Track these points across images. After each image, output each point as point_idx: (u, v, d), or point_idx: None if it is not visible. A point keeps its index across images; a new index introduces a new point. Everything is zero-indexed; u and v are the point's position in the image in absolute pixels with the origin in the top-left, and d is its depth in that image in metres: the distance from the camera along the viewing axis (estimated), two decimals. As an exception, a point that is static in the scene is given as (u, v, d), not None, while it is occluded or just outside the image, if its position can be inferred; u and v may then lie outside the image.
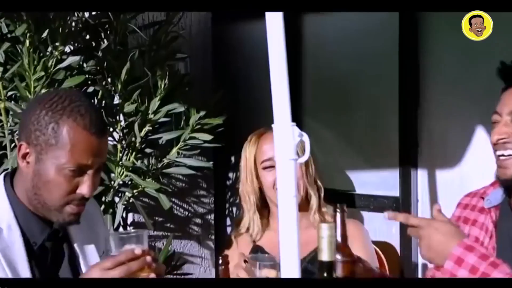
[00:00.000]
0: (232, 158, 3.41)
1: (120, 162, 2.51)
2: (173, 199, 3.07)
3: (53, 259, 1.79)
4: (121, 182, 2.56)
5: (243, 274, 2.03)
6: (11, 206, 1.74)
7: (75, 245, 1.84)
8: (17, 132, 2.36)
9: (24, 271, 1.70)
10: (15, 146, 2.39)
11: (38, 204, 1.72)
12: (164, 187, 2.56)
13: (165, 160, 2.55)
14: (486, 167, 2.50)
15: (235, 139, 3.04)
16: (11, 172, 1.82)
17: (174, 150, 2.51)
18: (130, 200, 2.62)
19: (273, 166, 2.28)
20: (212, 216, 3.34)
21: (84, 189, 1.69)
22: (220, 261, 1.68)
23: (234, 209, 3.42)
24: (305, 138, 1.39)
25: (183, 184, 3.17)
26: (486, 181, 2.48)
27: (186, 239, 3.20)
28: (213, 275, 3.36)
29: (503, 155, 1.86)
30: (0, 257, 1.67)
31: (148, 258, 1.62)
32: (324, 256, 1.44)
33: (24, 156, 1.71)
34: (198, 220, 3.29)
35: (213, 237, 3.34)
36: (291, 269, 1.36)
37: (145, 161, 2.58)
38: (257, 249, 2.41)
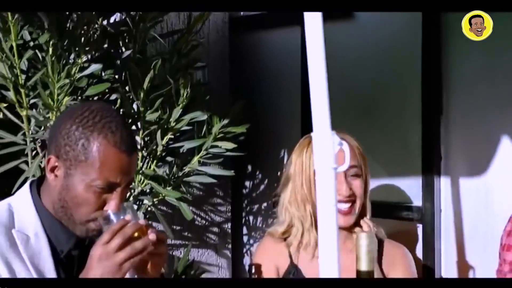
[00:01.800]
0: (249, 167, 3.40)
1: (141, 171, 2.48)
2: (190, 208, 3.05)
3: (80, 267, 1.76)
4: (140, 190, 2.53)
5: None
6: (38, 214, 1.72)
7: None
8: (38, 140, 2.35)
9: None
10: (36, 154, 2.37)
11: (64, 216, 1.69)
12: (185, 195, 2.52)
13: (186, 169, 2.51)
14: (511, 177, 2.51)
15: (250, 148, 3.03)
16: (38, 180, 1.79)
17: (196, 158, 2.48)
18: (149, 209, 2.59)
19: None
20: (229, 225, 3.32)
21: (111, 206, 1.66)
22: (253, 270, 1.63)
23: (251, 218, 3.40)
24: (345, 147, 1.36)
25: (200, 193, 3.15)
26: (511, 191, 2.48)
27: (204, 248, 3.19)
28: (230, 285, 3.34)
29: None
30: (28, 264, 1.65)
31: (141, 221, 1.62)
32: (363, 265, 1.41)
33: (53, 169, 1.68)
34: (215, 229, 3.27)
35: (230, 246, 3.32)
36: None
37: (166, 170, 2.55)
38: (293, 270, 2.18)
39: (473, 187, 2.61)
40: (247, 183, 3.40)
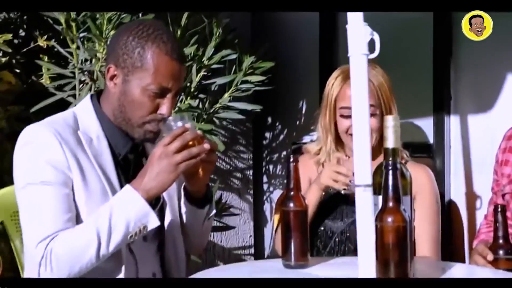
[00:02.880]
0: (269, 119, 3.62)
1: (176, 106, 2.70)
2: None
3: (135, 170, 1.98)
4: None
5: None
6: (99, 121, 1.94)
7: None
8: (86, 72, 2.58)
9: (113, 177, 1.90)
10: (83, 85, 2.60)
11: (123, 121, 1.91)
12: (216, 129, 2.74)
13: (217, 105, 2.74)
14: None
15: (270, 100, 3.26)
16: (97, 93, 2.01)
17: (227, 94, 2.70)
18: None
19: (350, 116, 2.23)
20: (251, 172, 3.55)
21: (164, 109, 1.87)
22: (292, 159, 1.84)
23: (271, 167, 3.62)
24: (376, 36, 1.58)
25: (225, 139, 3.37)
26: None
27: (228, 191, 3.41)
28: (251, 228, 3.57)
29: None
30: (93, 161, 1.88)
31: (198, 131, 1.83)
32: (390, 143, 1.64)
33: (112, 78, 1.89)
34: (238, 175, 3.49)
35: (251, 191, 3.55)
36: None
37: (200, 105, 2.77)
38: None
39: (479, 125, 2.84)
40: (267, 134, 3.62)
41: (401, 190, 1.51)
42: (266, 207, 3.63)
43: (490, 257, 1.91)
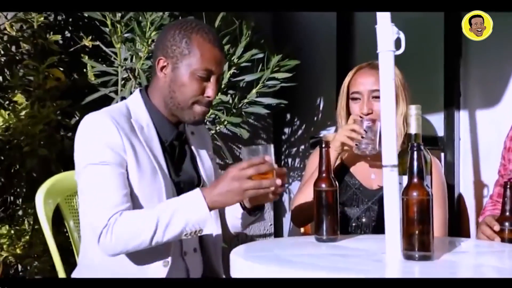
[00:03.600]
0: (288, 115, 3.86)
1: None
2: (239, 145, 3.53)
3: (179, 155, 2.22)
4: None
5: None
6: (148, 111, 2.17)
7: (193, 148, 2.28)
8: (128, 69, 2.82)
9: (161, 160, 2.14)
10: (124, 82, 2.84)
11: (173, 106, 2.14)
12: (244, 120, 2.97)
13: (245, 100, 2.98)
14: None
15: (290, 98, 3.48)
16: (145, 87, 2.25)
17: (254, 90, 2.95)
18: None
19: (359, 99, 2.50)
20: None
21: (209, 92, 2.11)
22: (324, 145, 2.07)
23: (290, 160, 3.86)
24: (401, 35, 1.82)
25: (248, 134, 3.61)
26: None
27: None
28: (271, 217, 3.82)
29: None
30: (145, 146, 2.11)
31: (275, 165, 1.99)
32: (413, 129, 1.87)
33: (162, 68, 2.13)
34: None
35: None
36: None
37: (229, 100, 3.01)
38: (343, 168, 2.59)
39: (487, 119, 3.07)
40: (286, 130, 3.86)
41: (423, 167, 1.74)
42: (285, 197, 3.87)
43: (497, 227, 2.14)
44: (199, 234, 2.01)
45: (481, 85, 3.12)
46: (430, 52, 3.25)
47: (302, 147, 3.81)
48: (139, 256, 2.06)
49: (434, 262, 1.72)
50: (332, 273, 1.60)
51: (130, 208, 2.03)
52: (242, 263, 1.78)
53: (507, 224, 2.13)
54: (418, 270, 1.67)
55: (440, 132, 3.20)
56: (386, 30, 1.80)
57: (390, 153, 1.80)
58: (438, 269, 1.69)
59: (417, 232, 1.72)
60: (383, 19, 1.80)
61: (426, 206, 1.71)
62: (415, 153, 1.74)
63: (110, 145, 2.04)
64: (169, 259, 2.10)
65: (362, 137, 2.40)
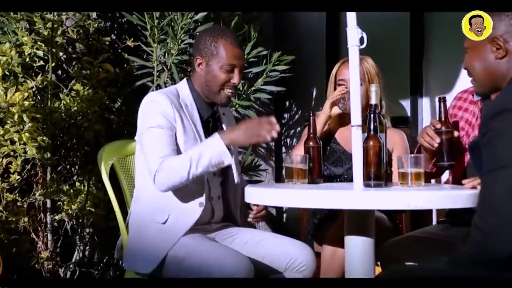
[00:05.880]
0: (287, 102, 4.65)
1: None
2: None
3: (213, 128, 2.91)
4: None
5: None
6: (191, 93, 2.87)
7: (224, 125, 2.97)
8: (164, 62, 3.63)
9: (200, 130, 2.80)
10: (160, 72, 3.65)
11: (208, 91, 2.83)
12: (251, 106, 3.78)
13: (253, 88, 3.78)
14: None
15: (289, 86, 4.26)
16: (188, 78, 2.93)
17: (260, 80, 3.75)
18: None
19: (344, 84, 3.21)
20: (273, 143, 4.58)
21: (235, 79, 2.81)
22: (311, 114, 2.86)
23: (288, 140, 4.65)
24: (364, 34, 2.58)
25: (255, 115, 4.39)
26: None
27: (256, 157, 4.44)
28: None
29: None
30: (189, 118, 2.81)
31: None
32: (372, 100, 2.64)
33: (199, 65, 2.84)
34: (264, 145, 4.52)
35: (273, 158, 4.59)
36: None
37: (240, 87, 3.82)
38: (330, 137, 3.30)
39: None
40: (286, 115, 4.65)
41: (378, 126, 2.53)
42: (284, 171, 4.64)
43: (439, 125, 2.62)
44: (222, 166, 2.62)
45: (439, 76, 3.94)
46: (399, 48, 4.07)
47: (299, 128, 4.59)
48: (181, 197, 2.74)
49: (385, 188, 2.51)
50: (319, 191, 2.41)
51: None
52: (251, 189, 2.57)
53: (443, 130, 2.67)
54: (373, 193, 2.45)
55: (407, 113, 4.02)
56: (353, 31, 2.55)
57: (356, 116, 2.57)
58: (386, 192, 2.47)
59: (372, 168, 2.50)
60: (351, 21, 2.53)
61: (378, 151, 2.51)
62: (372, 115, 2.54)
63: (165, 115, 2.69)
64: (203, 200, 2.72)
65: (343, 99, 3.15)
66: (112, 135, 3.58)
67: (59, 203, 3.62)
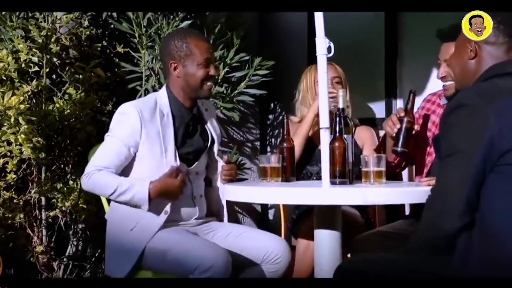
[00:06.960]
0: (272, 104, 4.85)
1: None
2: (233, 127, 4.55)
3: (192, 131, 3.04)
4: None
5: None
6: (169, 102, 2.92)
7: (207, 119, 3.06)
8: (151, 68, 3.86)
9: (171, 146, 2.87)
10: (148, 77, 3.88)
11: (189, 90, 2.90)
12: (234, 108, 4.00)
13: (236, 91, 4.01)
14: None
15: (273, 90, 4.48)
16: (167, 84, 3.06)
17: (243, 83, 3.98)
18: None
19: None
20: (258, 143, 4.77)
21: (212, 71, 2.95)
22: (286, 117, 3.08)
23: (273, 140, 4.85)
24: (331, 44, 2.81)
25: (240, 119, 4.59)
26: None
27: (242, 156, 4.63)
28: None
29: (444, 84, 3.00)
30: (160, 132, 2.86)
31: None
32: (340, 104, 2.86)
33: (175, 69, 2.96)
34: (249, 144, 4.72)
35: (258, 157, 4.77)
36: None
37: (224, 91, 4.04)
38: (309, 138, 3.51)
39: (416, 105, 4.05)
40: (270, 116, 4.85)
41: (343, 128, 2.75)
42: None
43: (401, 111, 2.93)
44: (139, 208, 2.79)
45: (412, 78, 4.16)
46: (374, 52, 4.29)
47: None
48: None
49: (349, 185, 2.73)
50: (289, 188, 2.65)
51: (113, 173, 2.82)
52: (228, 187, 2.80)
53: (405, 119, 2.93)
54: (338, 190, 2.67)
55: (381, 114, 4.25)
56: (321, 40, 2.77)
57: (324, 119, 2.79)
58: (350, 188, 2.69)
59: (338, 167, 2.73)
60: (319, 31, 2.76)
61: (343, 151, 2.73)
62: (337, 118, 2.76)
63: (129, 129, 2.80)
64: (168, 208, 2.86)
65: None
66: (103, 136, 3.77)
67: (53, 200, 3.81)
